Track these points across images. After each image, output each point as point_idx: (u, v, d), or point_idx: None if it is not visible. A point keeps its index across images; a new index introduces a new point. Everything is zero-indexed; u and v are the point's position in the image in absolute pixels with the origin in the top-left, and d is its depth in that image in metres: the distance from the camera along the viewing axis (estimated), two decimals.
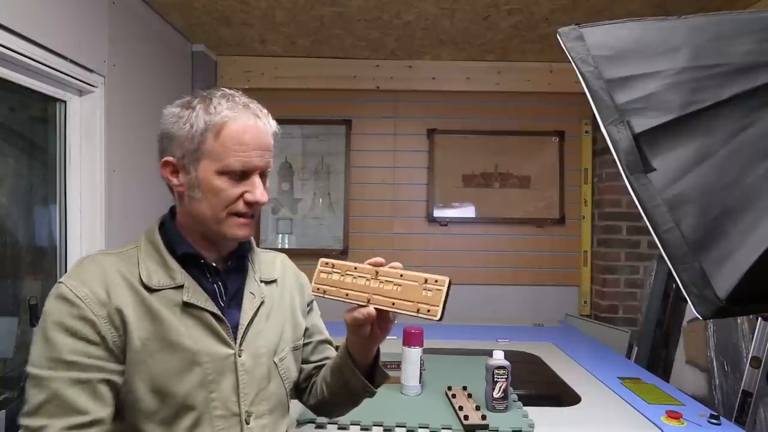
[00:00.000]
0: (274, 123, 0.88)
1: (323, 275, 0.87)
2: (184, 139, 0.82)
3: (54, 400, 0.72)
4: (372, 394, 0.97)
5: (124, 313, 0.77)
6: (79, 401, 0.72)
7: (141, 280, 0.80)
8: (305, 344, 1.03)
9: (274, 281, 0.97)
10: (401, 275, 0.81)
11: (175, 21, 2.34)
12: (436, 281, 0.78)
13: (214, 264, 0.88)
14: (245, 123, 0.81)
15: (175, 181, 0.85)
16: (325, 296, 0.86)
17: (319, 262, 0.89)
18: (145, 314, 0.79)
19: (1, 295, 1.64)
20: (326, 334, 1.09)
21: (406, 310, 0.78)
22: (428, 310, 0.77)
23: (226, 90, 0.85)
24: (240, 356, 0.85)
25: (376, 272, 0.83)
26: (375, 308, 0.81)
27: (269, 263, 1.00)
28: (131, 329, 0.77)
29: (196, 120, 0.81)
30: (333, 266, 0.86)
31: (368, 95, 2.88)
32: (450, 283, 0.77)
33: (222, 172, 0.81)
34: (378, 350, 0.95)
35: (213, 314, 0.83)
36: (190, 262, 0.85)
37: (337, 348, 1.03)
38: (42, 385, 0.72)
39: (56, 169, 1.79)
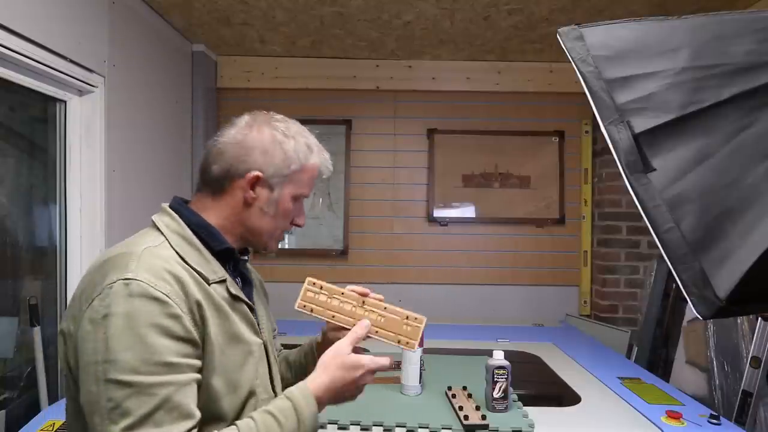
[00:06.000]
0: None
1: (310, 294, 0.94)
2: (279, 161, 0.87)
3: (165, 406, 0.69)
4: None
5: (203, 307, 0.77)
6: (187, 405, 0.71)
7: (198, 272, 0.80)
8: None
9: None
10: (385, 308, 0.93)
11: (175, 21, 2.34)
12: (416, 319, 0.92)
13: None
14: (324, 164, 0.93)
15: (251, 193, 0.86)
16: (312, 314, 0.93)
17: (306, 281, 0.95)
18: (212, 307, 0.79)
19: (1, 295, 1.64)
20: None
21: (388, 340, 0.91)
22: (407, 343, 0.91)
23: (300, 124, 0.94)
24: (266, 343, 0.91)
25: (363, 301, 0.93)
26: None
27: None
28: (208, 323, 0.77)
29: (296, 151, 0.89)
30: (321, 288, 0.94)
31: (368, 95, 2.88)
32: (426, 322, 0.92)
33: (296, 197, 0.91)
34: None
35: (248, 305, 0.88)
36: (221, 257, 0.86)
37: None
38: (147, 393, 0.68)
39: (56, 169, 1.79)
